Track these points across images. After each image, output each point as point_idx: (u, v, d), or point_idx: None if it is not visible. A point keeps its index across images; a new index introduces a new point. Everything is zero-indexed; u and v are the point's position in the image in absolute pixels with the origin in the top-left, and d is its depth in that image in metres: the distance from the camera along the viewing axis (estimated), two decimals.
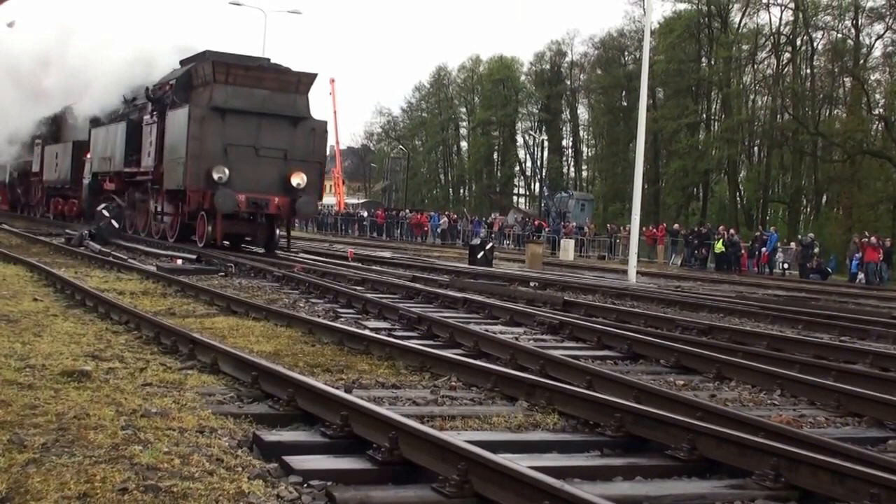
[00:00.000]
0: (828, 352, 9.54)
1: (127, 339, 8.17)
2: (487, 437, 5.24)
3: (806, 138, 49.80)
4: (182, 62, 24.75)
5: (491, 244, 26.75)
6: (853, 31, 49.81)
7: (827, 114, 52.97)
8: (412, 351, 7.77)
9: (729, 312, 14.00)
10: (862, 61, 49.62)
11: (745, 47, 54.62)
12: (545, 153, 63.46)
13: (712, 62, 57.17)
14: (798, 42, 51.74)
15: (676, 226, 42.69)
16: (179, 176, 21.61)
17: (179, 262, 17.30)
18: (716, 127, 58.40)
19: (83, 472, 4.11)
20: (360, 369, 7.36)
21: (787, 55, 52.64)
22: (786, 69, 53.01)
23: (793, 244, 37.06)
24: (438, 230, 49.94)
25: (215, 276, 15.48)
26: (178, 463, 4.33)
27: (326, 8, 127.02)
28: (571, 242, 39.79)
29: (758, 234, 38.29)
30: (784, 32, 52.48)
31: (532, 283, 17.69)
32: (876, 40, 49.41)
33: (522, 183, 79.55)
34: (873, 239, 33.45)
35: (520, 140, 76.46)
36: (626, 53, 65.53)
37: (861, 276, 32.64)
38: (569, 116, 74.42)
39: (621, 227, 42.58)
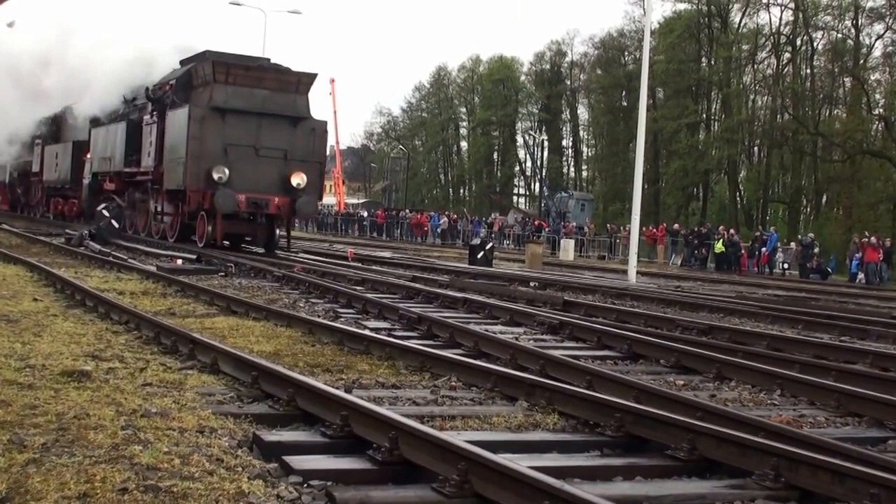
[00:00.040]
0: (828, 352, 9.54)
1: (127, 339, 8.17)
2: (487, 437, 5.24)
3: (806, 138, 49.80)
4: (182, 62, 24.75)
5: (491, 244, 26.75)
6: (853, 31, 49.86)
7: (827, 114, 52.98)
8: (412, 351, 7.77)
9: (729, 312, 14.00)
10: (862, 61, 49.63)
11: (745, 47, 54.63)
12: (545, 153, 63.49)
13: (712, 62, 57.18)
14: (798, 42, 51.76)
15: (676, 226, 42.69)
16: (179, 176, 21.61)
17: (179, 262, 17.30)
18: (716, 127, 58.42)
19: (83, 472, 4.11)
20: (360, 369, 7.36)
21: (787, 55, 52.66)
22: (786, 69, 53.03)
23: (793, 244, 37.06)
24: (438, 230, 49.95)
25: (215, 276, 15.48)
26: (178, 463, 4.33)
27: (326, 8, 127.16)
28: (571, 242, 39.79)
29: (758, 234, 38.29)
30: (784, 32, 52.52)
31: (532, 283, 17.68)
32: (876, 40, 49.51)
33: (522, 183, 79.60)
34: (873, 239, 33.45)
35: (520, 140, 76.54)
36: (626, 53, 65.55)
37: (861, 276, 32.65)
38: (569, 116, 74.47)
39: (621, 227, 42.58)
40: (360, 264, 20.56)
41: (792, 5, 51.24)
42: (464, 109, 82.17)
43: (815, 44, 51.79)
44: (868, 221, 45.16)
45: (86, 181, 29.71)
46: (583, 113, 73.39)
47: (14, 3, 32.24)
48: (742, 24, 55.62)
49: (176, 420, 5.15)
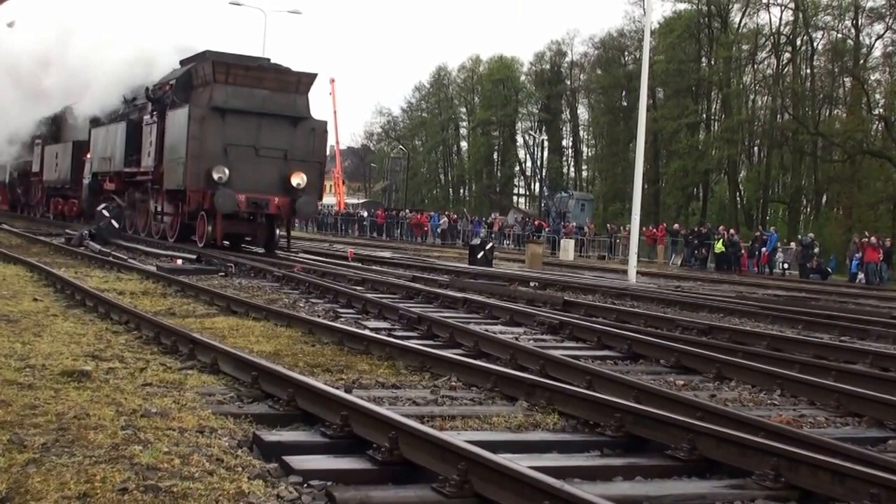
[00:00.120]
0: (828, 352, 9.54)
1: (127, 339, 8.17)
2: (487, 437, 5.24)
3: (806, 138, 49.80)
4: (182, 62, 24.75)
5: (491, 244, 26.75)
6: (853, 31, 49.86)
7: (827, 114, 52.98)
8: (412, 351, 7.77)
9: (729, 312, 14.00)
10: (862, 61, 49.63)
11: (745, 47, 54.63)
12: (545, 153, 63.49)
13: (712, 62, 57.18)
14: (798, 42, 51.76)
15: (676, 226, 42.69)
16: (179, 176, 21.61)
17: (179, 262, 17.30)
18: (716, 127, 58.42)
19: (83, 472, 4.11)
20: (360, 369, 7.36)
21: (787, 55, 52.66)
22: (786, 69, 53.03)
23: (793, 244, 37.06)
24: (438, 230, 49.95)
25: (215, 276, 15.48)
26: (178, 463, 4.33)
27: (326, 8, 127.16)
28: (571, 242, 39.79)
29: (758, 234, 38.28)
30: (784, 32, 52.52)
31: (532, 283, 17.68)
32: (876, 40, 49.51)
33: (522, 183, 79.60)
34: (873, 239, 33.45)
35: (520, 140, 76.54)
36: (626, 53, 65.55)
37: (861, 276, 32.65)
38: (569, 116, 74.47)
39: (621, 227, 42.58)
40: (360, 264, 20.56)
41: (792, 5, 51.28)
42: (464, 109, 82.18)
43: (815, 44, 51.85)
44: (868, 221, 45.16)
45: (86, 181, 29.71)
46: (583, 113, 73.53)
47: (14, 3, 32.27)
48: (742, 24, 55.68)
49: (176, 420, 5.15)
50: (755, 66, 55.30)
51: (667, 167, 58.49)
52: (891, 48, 48.86)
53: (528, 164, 72.91)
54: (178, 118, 22.03)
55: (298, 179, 21.57)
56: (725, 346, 9.27)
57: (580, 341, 9.78)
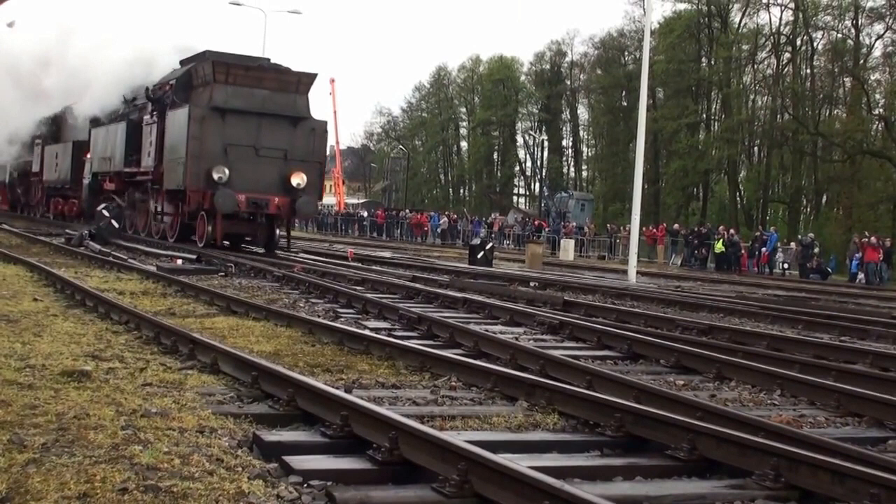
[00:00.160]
0: (828, 352, 9.54)
1: (127, 339, 8.17)
2: (487, 437, 5.24)
3: (806, 138, 49.80)
4: (182, 62, 24.75)
5: (491, 244, 26.75)
6: (853, 31, 49.86)
7: (827, 114, 52.98)
8: (412, 351, 7.77)
9: (729, 312, 13.99)
10: (862, 61, 49.63)
11: (745, 47, 54.63)
12: (545, 153, 63.50)
13: (712, 62, 57.18)
14: (798, 42, 51.76)
15: (676, 226, 42.69)
16: (179, 176, 21.61)
17: (179, 262, 17.30)
18: (716, 127, 58.42)
19: (83, 472, 4.11)
20: (360, 369, 7.36)
21: (787, 55, 52.66)
22: (786, 69, 53.03)
23: (793, 244, 37.06)
24: (438, 230, 49.95)
25: (215, 276, 15.48)
26: (178, 463, 4.33)
27: (326, 8, 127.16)
28: (571, 242, 39.79)
29: (758, 234, 38.28)
30: (784, 32, 52.52)
31: (532, 283, 17.68)
32: (876, 40, 49.51)
33: (522, 183, 79.61)
34: (873, 239, 33.45)
35: (520, 140, 76.54)
36: (626, 53, 65.55)
37: (861, 276, 32.65)
38: (569, 116, 74.47)
39: (621, 227, 42.58)
40: (360, 264, 20.56)
41: (792, 5, 51.28)
42: (464, 109, 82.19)
43: (815, 44, 51.85)
44: (868, 221, 45.16)
45: (86, 181, 29.71)
46: (583, 113, 73.53)
47: (14, 3, 32.27)
48: (742, 24, 55.68)
49: (176, 420, 5.15)
50: (755, 66, 55.31)
51: (667, 167, 58.49)
52: (891, 48, 48.91)
53: (528, 164, 72.99)
54: (178, 118, 22.03)
55: (298, 179, 21.57)
56: (725, 346, 9.27)
57: (580, 341, 9.78)
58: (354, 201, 74.59)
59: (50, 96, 31.08)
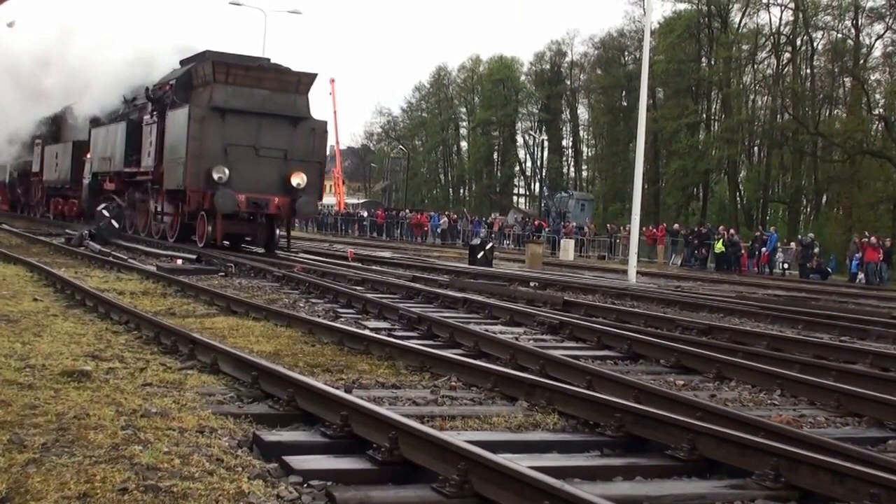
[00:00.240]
0: (828, 352, 9.54)
1: (127, 339, 8.17)
2: (487, 437, 5.24)
3: (806, 138, 49.81)
4: (182, 62, 24.75)
5: (491, 244, 26.75)
6: (853, 31, 49.87)
7: (827, 114, 52.98)
8: (412, 351, 7.77)
9: (729, 312, 13.99)
10: (862, 61, 49.64)
11: (745, 47, 54.63)
12: (545, 153, 63.51)
13: (712, 62, 57.18)
14: (798, 42, 51.76)
15: (676, 226, 42.69)
16: (179, 176, 21.61)
17: (179, 262, 17.30)
18: (716, 127, 58.42)
19: (83, 472, 4.11)
20: (360, 369, 7.36)
21: (787, 55, 52.66)
22: (786, 69, 53.03)
23: (793, 244, 37.06)
24: (438, 230, 49.95)
25: (215, 276, 15.48)
26: (178, 463, 4.33)
27: (326, 8, 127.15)
28: (571, 242, 39.80)
29: (758, 234, 38.28)
30: (784, 32, 52.53)
31: (532, 283, 17.68)
32: (876, 40, 49.52)
33: (522, 183, 79.61)
34: (873, 239, 33.45)
35: (520, 140, 76.55)
36: (626, 53, 65.55)
37: (861, 276, 32.65)
38: (569, 116, 74.48)
39: (621, 227, 42.58)
40: (360, 264, 20.56)
41: (792, 5, 51.28)
42: (464, 109, 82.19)
43: (815, 44, 51.85)
44: (868, 221, 45.16)
45: (86, 181, 29.72)
46: (583, 113, 73.54)
47: (14, 3, 32.27)
48: (742, 24, 55.69)
49: (176, 420, 5.15)
50: (755, 66, 55.31)
51: (667, 167, 58.49)
52: (891, 48, 48.91)
53: (528, 164, 73.00)
54: (178, 118, 22.03)
55: (298, 179, 21.57)
56: (725, 346, 9.26)
57: (580, 341, 9.78)
58: (354, 201, 74.59)
59: (50, 96, 31.09)
